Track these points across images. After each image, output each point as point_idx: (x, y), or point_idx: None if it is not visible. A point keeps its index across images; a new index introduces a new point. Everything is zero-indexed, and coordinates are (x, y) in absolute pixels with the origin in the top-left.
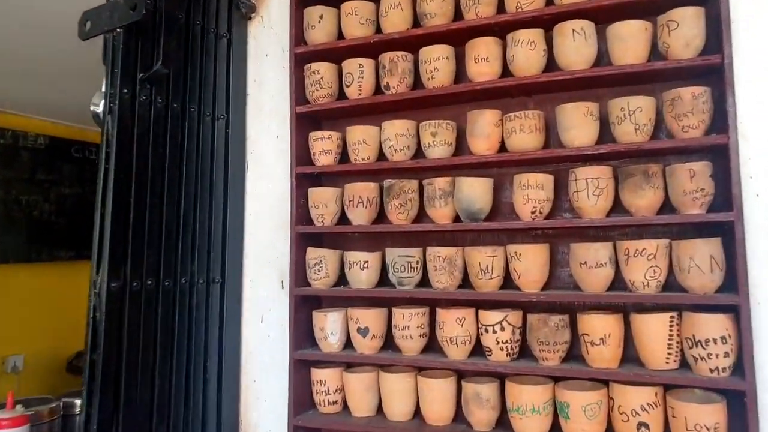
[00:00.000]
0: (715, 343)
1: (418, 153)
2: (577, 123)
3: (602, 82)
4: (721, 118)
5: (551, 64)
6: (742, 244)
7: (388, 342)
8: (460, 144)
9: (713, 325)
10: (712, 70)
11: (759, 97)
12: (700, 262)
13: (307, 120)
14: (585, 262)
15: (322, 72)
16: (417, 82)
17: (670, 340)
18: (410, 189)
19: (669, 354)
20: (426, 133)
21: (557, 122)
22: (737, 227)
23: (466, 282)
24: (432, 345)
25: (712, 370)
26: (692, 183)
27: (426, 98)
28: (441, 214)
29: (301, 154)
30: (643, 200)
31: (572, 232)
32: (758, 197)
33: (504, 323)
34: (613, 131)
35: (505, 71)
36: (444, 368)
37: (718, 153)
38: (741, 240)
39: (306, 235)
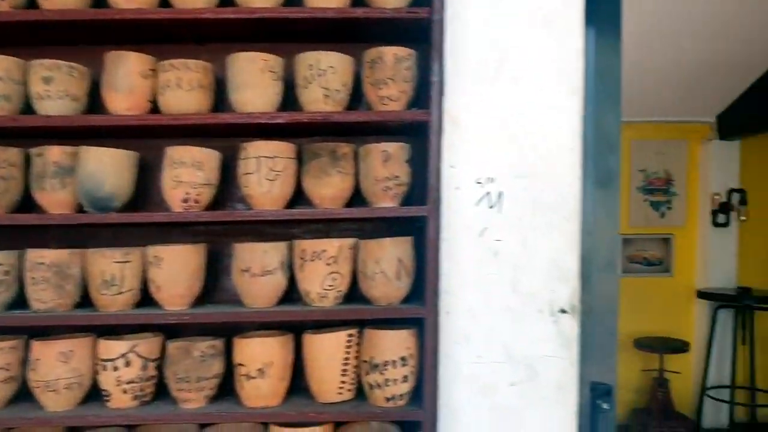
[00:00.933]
0: (394, 365)
1: (28, 108)
2: (252, 81)
3: (295, 34)
4: (426, 91)
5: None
6: (434, 244)
7: None
8: (95, 100)
9: (393, 345)
10: (421, 30)
11: (474, 67)
12: (386, 267)
13: None
14: (249, 269)
15: None
16: (32, 2)
17: (345, 364)
18: (6, 161)
19: (343, 383)
20: (36, 78)
21: (228, 78)
22: (430, 224)
23: (87, 300)
24: (28, 392)
25: (388, 399)
26: (385, 168)
27: (40, 26)
28: (55, 201)
29: None
30: (329, 189)
31: (246, 230)
32: (458, 190)
33: (131, 356)
34: (299, 97)
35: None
36: (40, 426)
37: (420, 134)
38: (434, 240)
39: None
